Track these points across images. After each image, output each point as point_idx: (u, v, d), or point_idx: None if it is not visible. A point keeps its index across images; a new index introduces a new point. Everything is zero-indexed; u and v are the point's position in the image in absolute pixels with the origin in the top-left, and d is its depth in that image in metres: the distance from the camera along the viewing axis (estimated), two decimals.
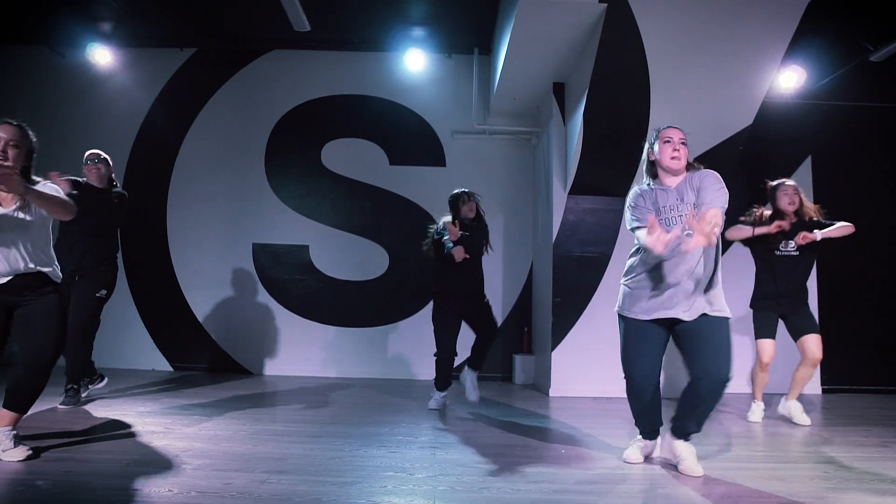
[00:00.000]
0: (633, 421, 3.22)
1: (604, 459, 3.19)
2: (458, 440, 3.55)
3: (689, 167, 3.12)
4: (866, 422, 4.54)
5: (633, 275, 3.14)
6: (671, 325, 3.03)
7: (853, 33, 5.90)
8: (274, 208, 6.81)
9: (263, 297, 6.72)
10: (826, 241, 4.33)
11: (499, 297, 6.66)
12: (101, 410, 4.11)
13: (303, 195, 6.84)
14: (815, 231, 4.30)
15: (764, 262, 4.54)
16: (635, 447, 3.19)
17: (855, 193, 6.51)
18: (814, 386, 6.30)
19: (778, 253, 4.45)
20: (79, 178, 4.54)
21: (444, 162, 6.91)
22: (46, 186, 2.97)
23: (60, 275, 3.12)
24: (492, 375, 6.56)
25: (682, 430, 3.01)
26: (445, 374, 4.65)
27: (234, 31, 6.74)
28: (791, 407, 4.46)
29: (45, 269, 3.00)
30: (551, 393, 5.62)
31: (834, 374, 6.07)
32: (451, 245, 4.53)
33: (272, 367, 6.58)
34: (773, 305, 4.45)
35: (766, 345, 4.44)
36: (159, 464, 2.84)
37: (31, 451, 2.88)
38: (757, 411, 4.53)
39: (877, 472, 2.99)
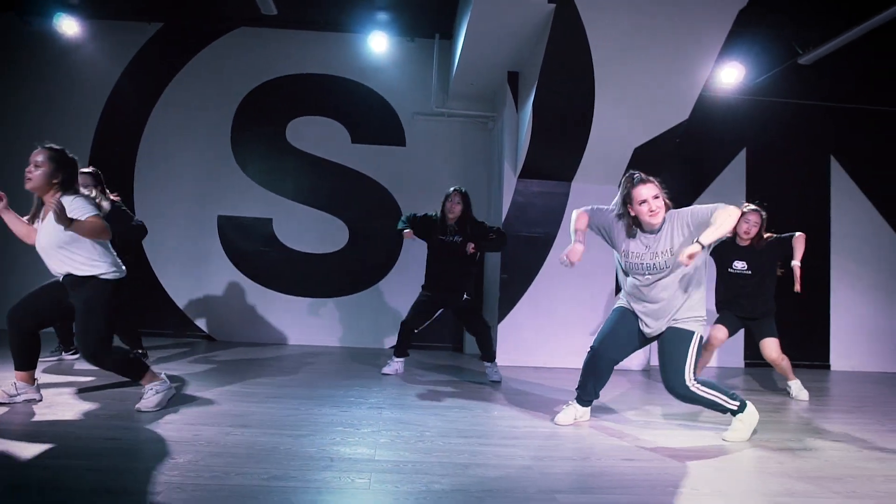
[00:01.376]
0: (576, 387, 3.59)
1: (533, 419, 3.64)
2: (404, 402, 3.96)
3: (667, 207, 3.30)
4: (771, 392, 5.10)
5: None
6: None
7: (785, 37, 6.35)
8: (239, 182, 7.06)
9: (228, 267, 6.99)
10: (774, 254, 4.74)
11: None
12: (77, 369, 4.41)
13: (267, 170, 7.09)
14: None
15: (720, 277, 4.90)
16: (568, 411, 3.59)
17: (785, 184, 7.06)
18: (738, 360, 6.93)
19: (730, 271, 4.79)
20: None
21: (404, 142, 7.22)
22: (78, 206, 3.21)
23: (116, 273, 3.43)
24: (443, 345, 7.01)
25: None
26: (402, 341, 5.09)
27: (201, 8, 6.87)
28: (792, 386, 4.94)
29: (94, 272, 3.31)
30: (497, 363, 6.05)
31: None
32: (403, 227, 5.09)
33: (236, 335, 6.89)
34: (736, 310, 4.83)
35: (718, 330, 4.82)
36: (133, 418, 3.18)
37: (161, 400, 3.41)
38: None
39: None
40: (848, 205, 7.26)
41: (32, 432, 2.86)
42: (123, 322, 4.72)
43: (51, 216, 3.21)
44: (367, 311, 7.03)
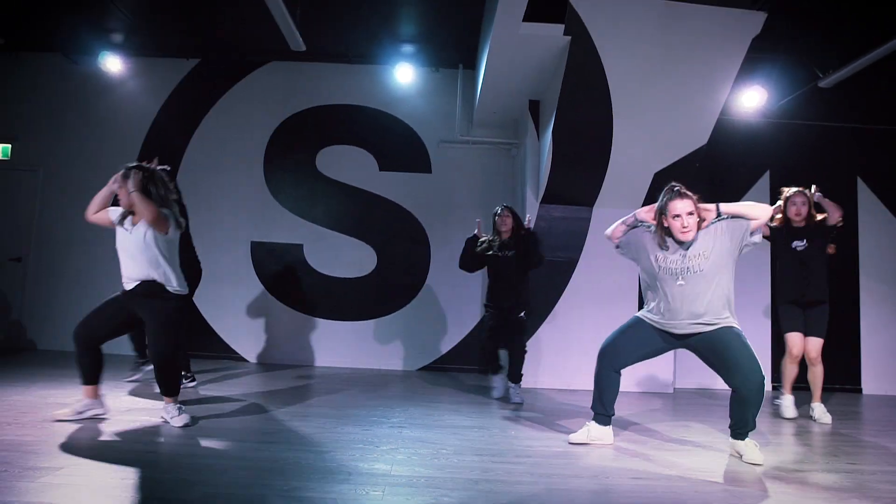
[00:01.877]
0: (591, 406, 3.72)
1: (548, 439, 3.74)
2: (425, 422, 4.09)
3: (700, 223, 3.41)
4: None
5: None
6: (679, 338, 3.48)
7: (804, 61, 6.41)
8: (271, 209, 7.33)
9: (260, 291, 7.25)
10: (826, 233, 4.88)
11: (479, 296, 7.20)
12: (114, 390, 4.66)
13: (298, 197, 7.36)
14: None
15: (783, 260, 5.01)
16: (583, 431, 3.68)
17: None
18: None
19: (792, 247, 4.91)
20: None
21: (430, 169, 7.43)
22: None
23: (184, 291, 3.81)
24: (471, 368, 7.11)
25: (738, 431, 3.43)
26: (485, 361, 5.53)
27: (235, 44, 7.23)
28: (815, 409, 4.89)
29: (172, 284, 3.70)
30: (521, 385, 6.16)
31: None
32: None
33: (267, 356, 7.12)
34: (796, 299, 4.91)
35: (795, 338, 4.89)
36: (167, 434, 3.38)
37: (189, 420, 3.64)
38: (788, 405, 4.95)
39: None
40: (876, 226, 7.21)
41: (94, 447, 3.08)
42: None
43: (138, 227, 3.67)
44: (394, 334, 7.20)
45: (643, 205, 6.27)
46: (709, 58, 5.26)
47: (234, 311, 7.20)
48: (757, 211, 3.32)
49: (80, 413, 3.65)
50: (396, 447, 3.34)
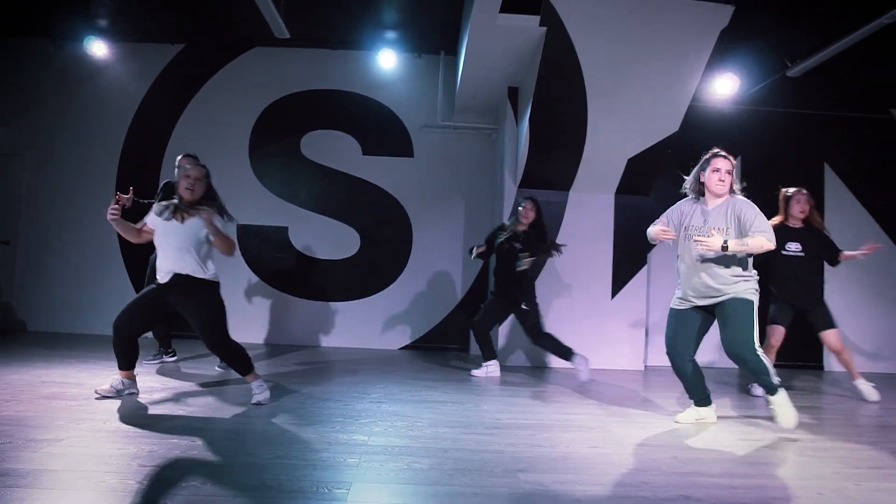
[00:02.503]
0: None
1: (517, 413, 3.98)
2: (402, 397, 4.33)
3: (732, 191, 3.75)
4: None
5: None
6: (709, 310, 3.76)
7: (774, 50, 6.62)
8: (257, 193, 7.49)
9: (247, 273, 7.42)
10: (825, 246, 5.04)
11: (459, 278, 7.43)
12: (106, 370, 4.86)
13: (283, 181, 7.52)
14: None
15: (773, 261, 4.96)
16: (689, 412, 3.91)
17: (779, 189, 7.30)
18: None
19: (784, 253, 4.93)
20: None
21: (413, 153, 7.60)
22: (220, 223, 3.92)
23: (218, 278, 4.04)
24: (451, 346, 7.36)
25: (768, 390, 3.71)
26: (482, 345, 5.60)
27: (219, 30, 7.34)
28: (860, 386, 5.06)
29: (209, 276, 3.94)
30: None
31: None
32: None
33: (253, 336, 7.30)
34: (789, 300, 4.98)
35: (776, 331, 4.98)
36: (157, 409, 3.59)
37: (266, 398, 3.91)
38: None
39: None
40: (842, 210, 7.48)
41: (91, 421, 3.28)
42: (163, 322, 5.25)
43: (191, 221, 3.80)
44: (377, 314, 7.41)
45: (617, 189, 6.54)
46: (679, 48, 5.46)
47: (221, 292, 7.34)
48: (759, 249, 3.54)
49: (119, 391, 3.91)
50: (374, 420, 3.57)
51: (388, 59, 7.29)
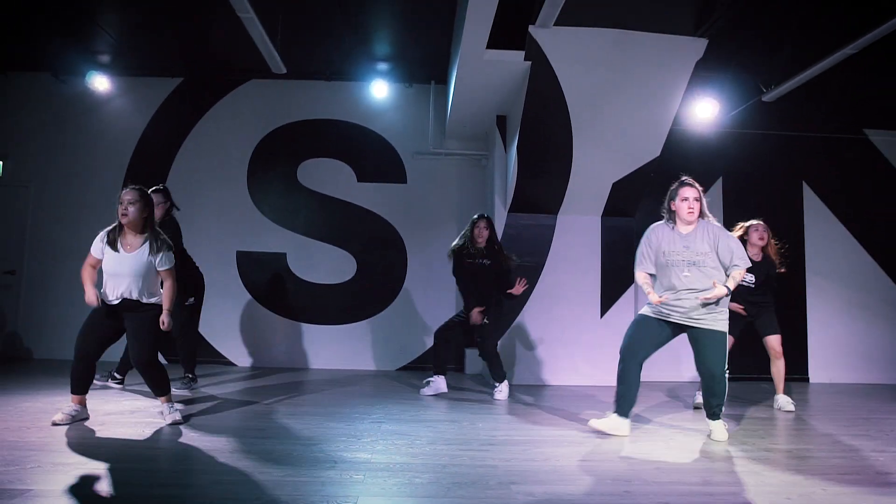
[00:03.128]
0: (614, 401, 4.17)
1: (511, 430, 4.20)
2: (402, 417, 4.54)
3: (702, 215, 4.06)
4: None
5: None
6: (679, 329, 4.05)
7: (749, 77, 6.94)
8: (255, 220, 7.73)
9: (246, 297, 7.64)
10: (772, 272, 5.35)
11: (454, 298, 7.65)
12: (116, 396, 5.04)
13: (281, 208, 7.76)
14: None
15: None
16: (605, 420, 4.11)
17: (760, 210, 7.54)
18: None
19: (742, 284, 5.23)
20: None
21: (406, 179, 7.87)
22: (165, 260, 4.10)
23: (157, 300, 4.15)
24: (447, 367, 7.53)
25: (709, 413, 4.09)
26: (436, 355, 5.80)
27: (217, 64, 7.61)
28: (779, 400, 5.36)
29: (153, 301, 4.08)
30: (491, 382, 6.62)
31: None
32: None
33: (255, 360, 7.52)
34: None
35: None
36: (167, 433, 3.79)
37: (180, 418, 4.10)
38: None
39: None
40: (821, 227, 7.80)
41: (96, 444, 3.48)
42: (189, 347, 5.57)
43: (139, 250, 4.01)
44: (374, 336, 7.63)
45: (603, 212, 6.80)
46: (657, 79, 5.76)
47: (222, 317, 7.57)
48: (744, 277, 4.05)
49: (73, 417, 4.02)
50: (376, 439, 3.78)
51: (380, 89, 7.58)
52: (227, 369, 7.10)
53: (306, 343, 7.59)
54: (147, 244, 4.03)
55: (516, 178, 6.52)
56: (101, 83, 7.42)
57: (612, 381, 6.63)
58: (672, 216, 4.09)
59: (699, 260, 3.94)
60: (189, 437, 3.71)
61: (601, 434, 4.08)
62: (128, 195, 4.01)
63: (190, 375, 5.50)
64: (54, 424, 3.91)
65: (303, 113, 7.88)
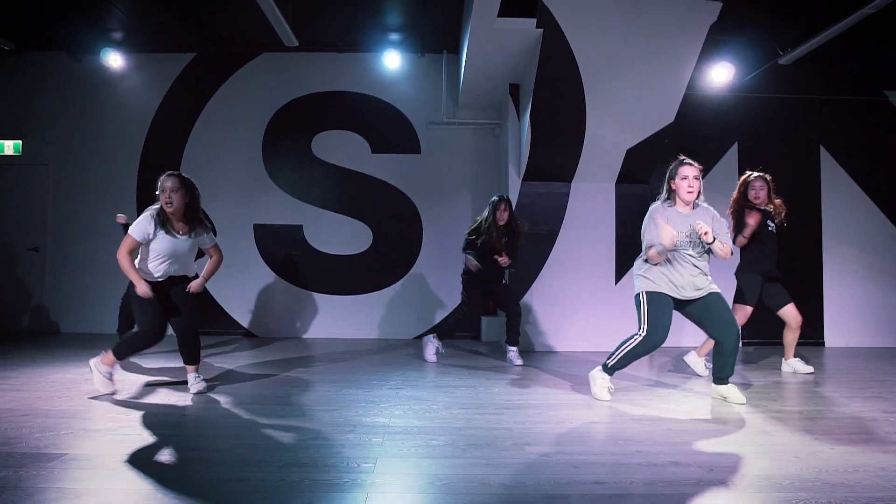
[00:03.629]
0: (612, 365, 4.15)
1: (527, 395, 4.28)
2: (419, 383, 4.64)
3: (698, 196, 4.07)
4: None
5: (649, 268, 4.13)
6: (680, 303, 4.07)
7: (766, 39, 6.84)
8: (271, 193, 7.81)
9: (264, 269, 7.76)
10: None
11: None
12: (147, 363, 5.20)
13: (296, 181, 7.83)
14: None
15: (761, 240, 5.27)
16: (604, 388, 4.15)
17: (777, 174, 7.49)
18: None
19: (769, 230, 5.29)
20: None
21: (420, 150, 7.89)
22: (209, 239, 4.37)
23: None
24: (463, 334, 7.66)
25: (720, 377, 4.12)
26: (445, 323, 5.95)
27: (229, 38, 7.62)
28: (793, 363, 5.45)
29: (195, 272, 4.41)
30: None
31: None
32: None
33: (273, 331, 7.67)
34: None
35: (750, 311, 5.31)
36: (196, 401, 3.93)
37: (205, 388, 4.28)
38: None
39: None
40: (838, 190, 7.72)
41: (133, 412, 3.61)
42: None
43: (192, 233, 4.21)
44: (392, 305, 7.74)
45: (618, 179, 6.79)
46: (670, 43, 5.70)
47: (241, 290, 7.72)
48: (726, 254, 3.96)
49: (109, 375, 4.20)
50: (394, 404, 3.89)
51: (392, 60, 7.57)
52: (246, 340, 7.25)
53: (324, 313, 7.72)
54: (196, 227, 4.23)
55: (530, 147, 6.52)
56: (115, 60, 7.48)
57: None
58: (672, 195, 4.08)
59: (707, 239, 3.89)
60: (211, 404, 3.84)
61: (614, 397, 4.16)
62: (169, 182, 4.06)
63: None
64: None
65: (316, 85, 7.89)
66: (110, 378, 4.14)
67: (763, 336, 7.08)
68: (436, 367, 5.45)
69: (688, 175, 3.98)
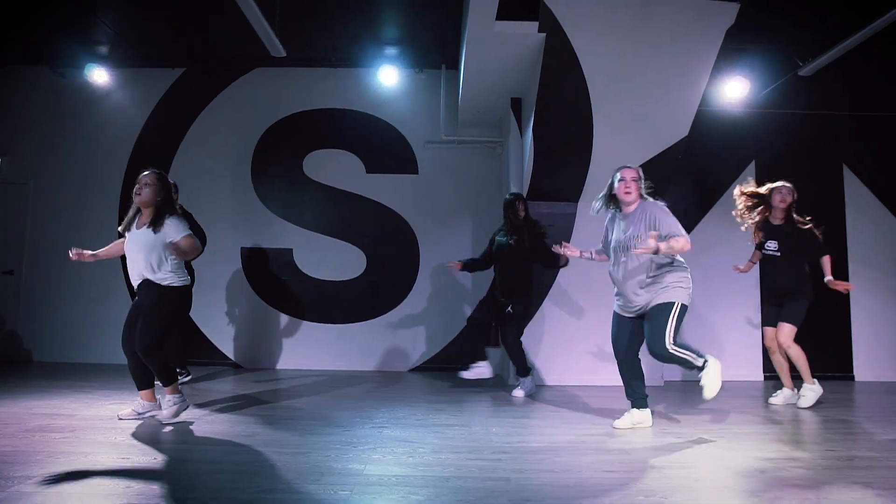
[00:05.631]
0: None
1: (527, 435, 3.76)
2: (407, 421, 4.12)
3: (642, 196, 4.04)
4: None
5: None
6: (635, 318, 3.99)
7: (784, 50, 6.42)
8: (260, 215, 7.38)
9: (251, 296, 7.29)
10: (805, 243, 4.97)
11: (469, 296, 7.21)
12: (100, 399, 4.70)
13: (286, 202, 7.40)
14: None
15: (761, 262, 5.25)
16: (626, 417, 4.01)
17: (798, 194, 7.04)
18: (756, 373, 6.90)
19: (765, 252, 5.11)
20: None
21: (417, 170, 7.46)
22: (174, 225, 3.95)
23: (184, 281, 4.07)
24: (462, 367, 7.09)
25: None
26: (478, 341, 5.52)
27: (219, 53, 7.29)
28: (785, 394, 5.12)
29: (167, 282, 3.95)
30: (510, 381, 6.19)
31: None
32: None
33: (258, 361, 7.15)
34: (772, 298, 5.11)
35: (767, 332, 5.10)
36: (144, 439, 3.42)
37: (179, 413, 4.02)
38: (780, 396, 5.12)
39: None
40: (864, 213, 7.21)
41: (72, 453, 3.11)
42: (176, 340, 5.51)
43: (146, 227, 3.92)
44: (385, 335, 7.23)
45: None
46: (684, 49, 5.28)
47: (226, 317, 7.24)
48: (680, 249, 3.73)
49: (141, 414, 3.99)
50: (374, 447, 3.37)
51: (389, 76, 7.19)
52: (230, 370, 6.75)
53: (313, 342, 7.21)
54: (162, 222, 3.95)
55: (533, 164, 6.08)
56: (99, 76, 7.13)
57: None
58: (616, 202, 4.10)
59: (634, 243, 3.81)
60: (163, 444, 3.34)
61: (628, 438, 3.63)
62: (145, 177, 3.99)
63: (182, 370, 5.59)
64: (120, 419, 3.93)
65: (308, 102, 7.51)
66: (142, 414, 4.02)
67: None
68: (429, 404, 4.92)
69: (625, 177, 4.02)
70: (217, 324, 7.23)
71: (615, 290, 4.08)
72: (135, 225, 4.00)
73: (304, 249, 7.34)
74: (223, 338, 7.23)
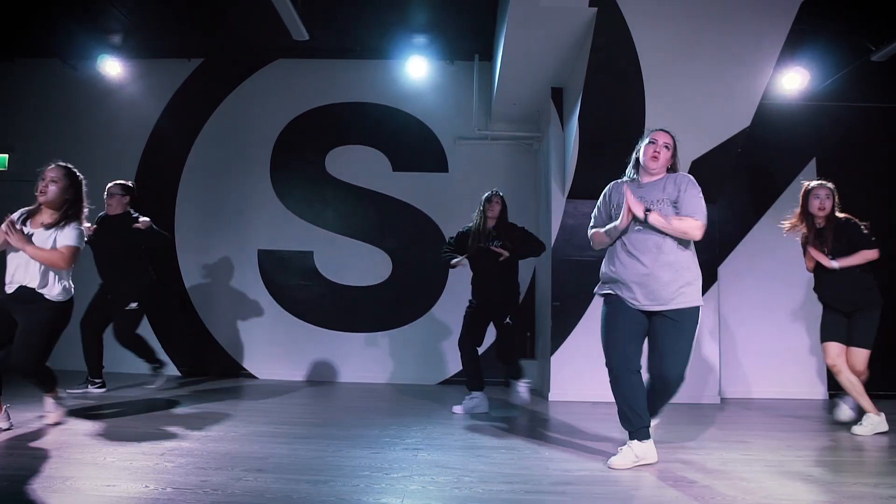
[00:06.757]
0: (620, 422, 3.25)
1: (587, 462, 3.20)
2: (445, 442, 3.58)
3: (670, 169, 3.44)
4: None
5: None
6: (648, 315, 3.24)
7: (854, 33, 5.85)
8: (279, 215, 6.92)
9: (268, 302, 6.81)
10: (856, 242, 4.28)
11: None
12: (102, 409, 4.21)
13: (307, 202, 6.94)
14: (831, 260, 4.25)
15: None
16: (625, 453, 3.11)
17: (862, 195, 6.39)
18: (819, 391, 6.26)
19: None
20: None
21: (447, 168, 6.97)
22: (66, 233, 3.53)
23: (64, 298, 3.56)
24: (495, 380, 6.53)
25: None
26: (467, 371, 4.89)
27: (239, 42, 6.87)
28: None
29: (49, 293, 3.46)
30: (550, 397, 5.64)
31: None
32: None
33: (276, 372, 6.65)
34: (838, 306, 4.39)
35: (828, 347, 4.36)
36: (141, 460, 2.91)
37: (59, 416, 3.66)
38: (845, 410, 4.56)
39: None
40: None
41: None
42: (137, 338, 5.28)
43: (42, 229, 3.48)
44: (412, 345, 6.70)
45: None
46: (751, 28, 4.73)
47: (240, 324, 6.77)
48: (683, 231, 3.17)
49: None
50: (410, 474, 2.82)
51: (418, 68, 6.72)
52: (245, 382, 6.25)
53: (335, 353, 6.70)
54: (66, 223, 3.52)
55: (577, 158, 5.55)
56: (112, 68, 6.75)
57: (693, 396, 5.64)
58: (634, 164, 3.52)
59: (659, 207, 3.23)
60: (155, 466, 2.82)
61: (707, 464, 3.05)
62: (51, 172, 3.60)
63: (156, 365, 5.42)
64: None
65: (331, 96, 7.04)
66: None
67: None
68: (465, 421, 4.36)
69: (657, 139, 3.41)
70: (231, 331, 6.76)
71: (613, 274, 3.39)
72: (29, 222, 3.54)
73: (326, 252, 6.86)
74: (237, 346, 6.75)
